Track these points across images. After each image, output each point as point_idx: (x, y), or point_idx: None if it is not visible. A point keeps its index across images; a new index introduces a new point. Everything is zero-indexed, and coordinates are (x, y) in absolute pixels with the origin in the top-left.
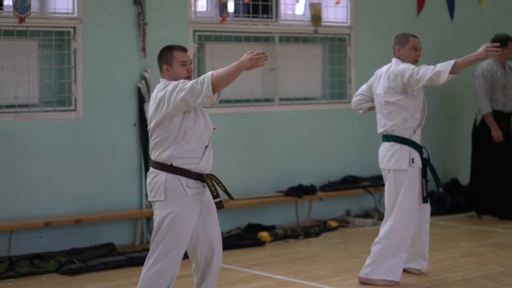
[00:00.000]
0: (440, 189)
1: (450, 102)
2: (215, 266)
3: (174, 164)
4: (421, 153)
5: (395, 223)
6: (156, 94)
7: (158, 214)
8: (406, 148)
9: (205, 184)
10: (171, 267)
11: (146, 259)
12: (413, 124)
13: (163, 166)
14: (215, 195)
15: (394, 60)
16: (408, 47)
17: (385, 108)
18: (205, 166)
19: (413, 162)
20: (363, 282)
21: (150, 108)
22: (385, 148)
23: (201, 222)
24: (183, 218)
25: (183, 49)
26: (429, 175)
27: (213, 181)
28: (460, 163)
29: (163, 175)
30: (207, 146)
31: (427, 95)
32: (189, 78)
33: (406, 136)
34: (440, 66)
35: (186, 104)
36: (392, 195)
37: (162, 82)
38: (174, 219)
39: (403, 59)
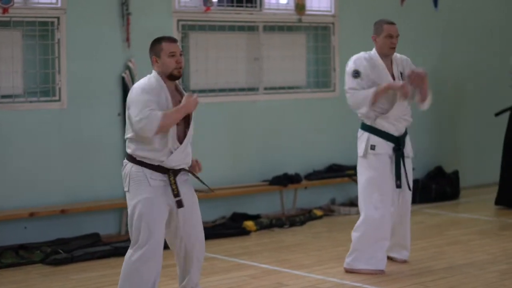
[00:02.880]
0: (397, 182)
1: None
2: (197, 258)
3: (138, 158)
4: (394, 141)
5: (367, 210)
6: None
7: (128, 205)
8: (366, 135)
9: (187, 178)
10: (152, 254)
11: (128, 249)
12: (377, 112)
13: (130, 157)
14: (175, 194)
15: (373, 51)
16: (383, 35)
17: None
18: (175, 163)
19: (372, 149)
20: (348, 271)
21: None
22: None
23: (180, 215)
24: (150, 205)
25: (172, 40)
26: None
27: (183, 177)
28: (445, 151)
29: (129, 166)
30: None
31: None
32: (178, 69)
33: (368, 122)
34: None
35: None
36: (359, 182)
37: (153, 74)
38: (142, 207)
39: (378, 48)
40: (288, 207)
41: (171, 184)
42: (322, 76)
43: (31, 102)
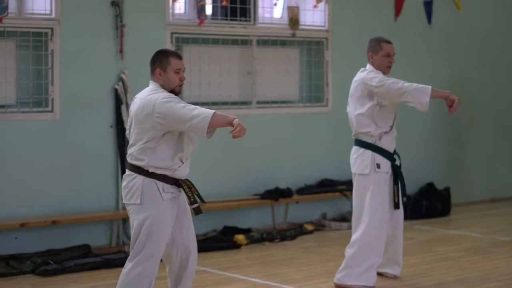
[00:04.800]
0: (404, 199)
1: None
2: (190, 268)
3: (150, 170)
4: (392, 160)
5: (366, 228)
6: (146, 97)
7: (135, 219)
8: (369, 153)
9: (181, 189)
10: (151, 271)
11: (127, 262)
12: (377, 131)
13: (140, 170)
14: (192, 201)
15: (368, 67)
16: (381, 54)
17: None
18: (182, 173)
19: (378, 167)
20: (338, 287)
21: (134, 110)
22: (352, 152)
23: (176, 226)
24: (161, 222)
25: (179, 57)
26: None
27: (190, 187)
28: (436, 167)
29: (140, 179)
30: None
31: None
32: (180, 86)
33: (370, 141)
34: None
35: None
36: (357, 199)
37: (152, 86)
38: (153, 223)
39: (376, 66)
40: (279, 222)
41: (186, 193)
42: (315, 90)
43: (23, 112)
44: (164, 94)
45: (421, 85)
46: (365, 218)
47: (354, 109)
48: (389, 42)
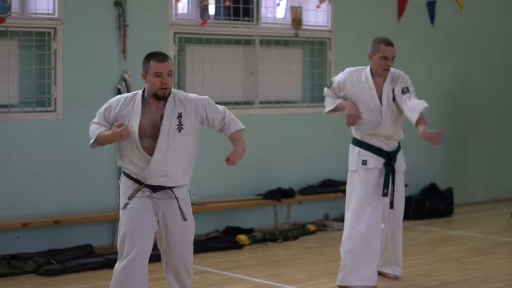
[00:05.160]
0: (385, 190)
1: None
2: (183, 278)
3: (124, 170)
4: (385, 156)
5: (354, 225)
6: None
7: None
8: (356, 150)
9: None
10: (134, 267)
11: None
12: (363, 130)
13: (122, 170)
14: (129, 197)
15: (369, 67)
16: (379, 56)
17: None
18: (150, 178)
19: (364, 164)
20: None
21: None
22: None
23: (165, 239)
24: (134, 215)
25: (161, 59)
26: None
27: (161, 194)
28: (439, 168)
29: (121, 178)
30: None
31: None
32: (163, 89)
33: (358, 137)
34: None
35: None
36: (348, 196)
37: (140, 91)
38: (125, 218)
39: (374, 67)
40: (282, 222)
41: (133, 192)
42: (318, 91)
43: (26, 112)
44: (119, 96)
45: None
46: (354, 214)
47: None
48: (390, 44)
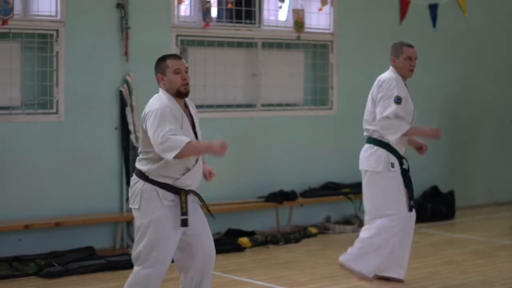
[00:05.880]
0: (411, 202)
1: (432, 111)
2: (211, 269)
3: (151, 177)
4: (401, 162)
5: (384, 222)
6: (146, 107)
7: (136, 222)
8: (383, 151)
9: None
10: (160, 275)
11: (134, 266)
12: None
13: (142, 175)
14: (183, 212)
15: (390, 69)
16: (402, 57)
17: (370, 113)
18: (186, 183)
19: (392, 166)
20: (341, 265)
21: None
22: (364, 149)
23: (191, 233)
24: (165, 226)
25: (177, 57)
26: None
27: (191, 198)
28: (440, 171)
29: (140, 184)
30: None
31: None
32: (185, 86)
33: (384, 140)
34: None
35: None
36: (370, 197)
37: (160, 93)
38: (156, 228)
39: (398, 69)
40: (283, 224)
41: (181, 202)
42: (320, 93)
43: (28, 114)
44: (154, 106)
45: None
46: (383, 214)
47: (380, 111)
48: (410, 46)
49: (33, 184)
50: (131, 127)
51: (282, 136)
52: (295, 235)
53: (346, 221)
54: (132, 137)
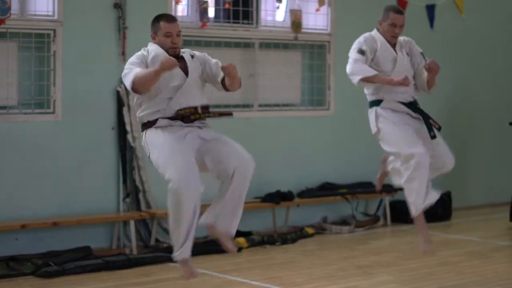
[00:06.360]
0: (432, 133)
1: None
2: (246, 169)
3: (145, 121)
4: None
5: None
6: None
7: (154, 162)
8: (371, 111)
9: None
10: (185, 186)
11: None
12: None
13: (141, 126)
14: (197, 118)
15: (374, 30)
16: (387, 23)
17: None
18: (177, 106)
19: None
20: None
21: None
22: None
23: (208, 138)
24: (166, 141)
25: (170, 20)
26: None
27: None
28: None
29: (143, 136)
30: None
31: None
32: (174, 49)
33: (373, 98)
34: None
35: None
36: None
37: (149, 45)
38: (161, 149)
39: (382, 33)
40: (280, 225)
41: (189, 116)
42: (317, 94)
43: (25, 114)
44: (136, 54)
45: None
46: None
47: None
48: (399, 12)
49: (30, 184)
50: (128, 127)
51: (279, 136)
52: (292, 236)
53: (343, 222)
54: (129, 137)
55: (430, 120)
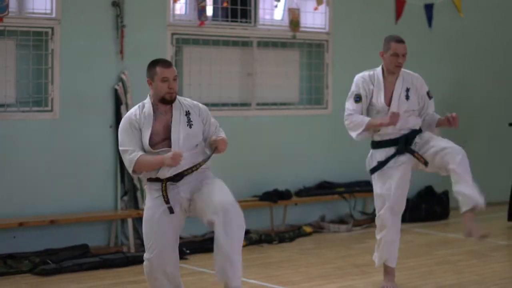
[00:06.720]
0: (422, 160)
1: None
2: (231, 214)
3: (146, 176)
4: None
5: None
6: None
7: None
8: (369, 156)
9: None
10: (160, 261)
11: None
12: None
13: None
14: (166, 201)
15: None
16: (389, 53)
17: None
18: (168, 173)
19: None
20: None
21: None
22: None
23: (195, 197)
24: (151, 214)
25: (166, 65)
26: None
27: (172, 183)
28: None
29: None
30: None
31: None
32: (170, 94)
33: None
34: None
35: None
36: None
37: (146, 99)
38: (145, 219)
39: (385, 65)
40: (278, 223)
41: (162, 191)
42: (315, 93)
43: (23, 112)
44: (126, 115)
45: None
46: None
47: None
48: (400, 41)
49: (28, 181)
50: None
51: (277, 135)
52: (290, 234)
53: (341, 220)
54: None
55: (416, 154)
